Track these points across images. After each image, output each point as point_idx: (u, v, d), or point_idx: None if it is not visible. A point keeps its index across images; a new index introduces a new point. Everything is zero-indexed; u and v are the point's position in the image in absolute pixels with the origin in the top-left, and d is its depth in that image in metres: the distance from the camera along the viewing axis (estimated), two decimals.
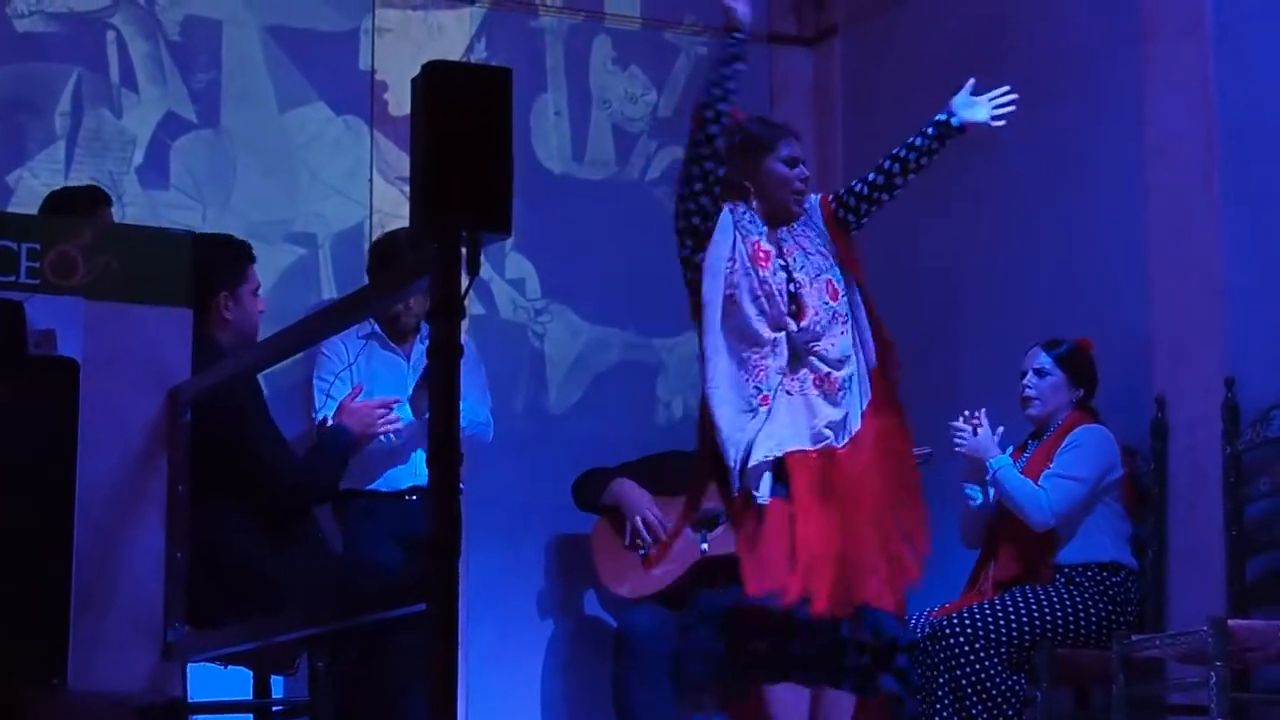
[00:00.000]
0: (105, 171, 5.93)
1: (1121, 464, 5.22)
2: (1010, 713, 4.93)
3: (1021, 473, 5.21)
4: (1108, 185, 5.69)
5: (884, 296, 6.51)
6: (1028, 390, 5.30)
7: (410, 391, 5.38)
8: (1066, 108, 5.87)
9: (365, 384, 5.41)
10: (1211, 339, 5.23)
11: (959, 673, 4.95)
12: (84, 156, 5.95)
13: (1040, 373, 5.30)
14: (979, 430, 5.23)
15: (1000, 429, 5.29)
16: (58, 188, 5.55)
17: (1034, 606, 5.03)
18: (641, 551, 5.80)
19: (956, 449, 5.28)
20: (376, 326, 5.63)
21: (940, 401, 5.44)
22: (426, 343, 5.41)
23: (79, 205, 5.27)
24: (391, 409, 4.94)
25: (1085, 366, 5.32)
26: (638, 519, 5.84)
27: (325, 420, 4.99)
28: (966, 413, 5.28)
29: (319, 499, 4.65)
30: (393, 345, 5.64)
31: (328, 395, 5.49)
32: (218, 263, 4.35)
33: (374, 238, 6.06)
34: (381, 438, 5.12)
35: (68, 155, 5.93)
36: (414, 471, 5.48)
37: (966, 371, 6.03)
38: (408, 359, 5.63)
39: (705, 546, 5.55)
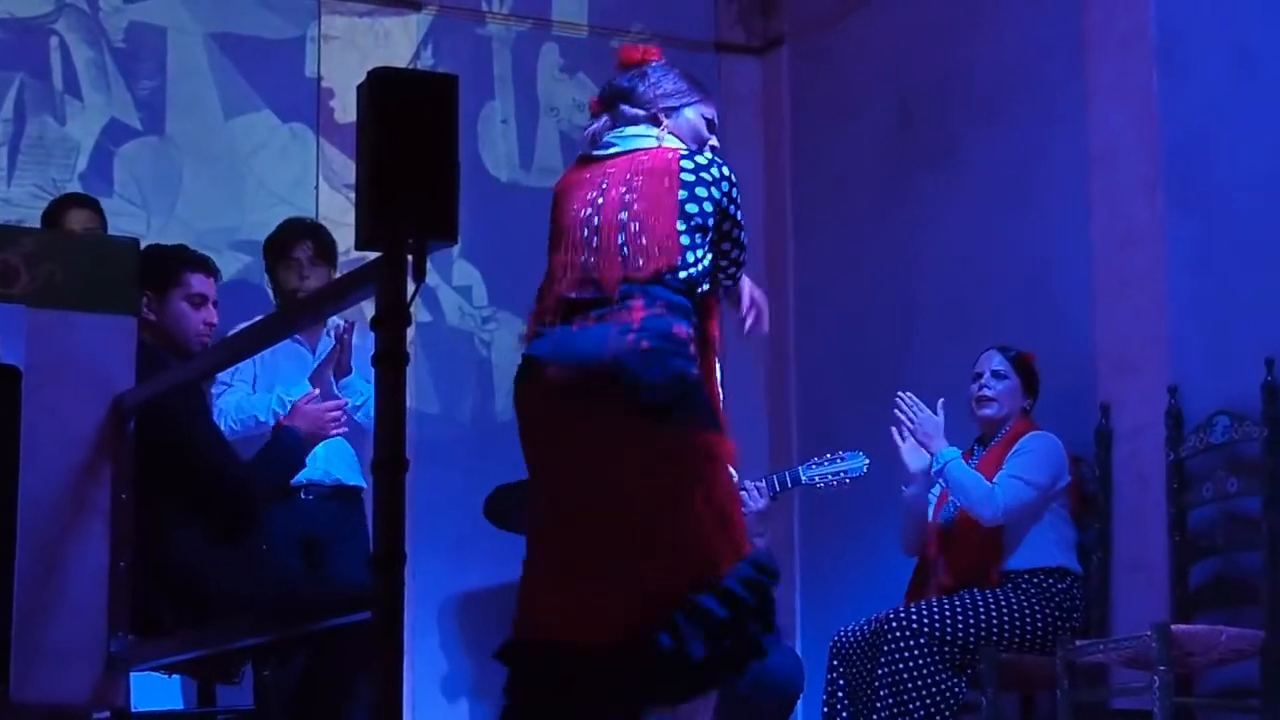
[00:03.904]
0: (48, 179, 5.89)
1: (1069, 472, 5.24)
2: (948, 714, 4.93)
3: None
4: (1053, 195, 5.72)
5: (834, 305, 6.58)
6: (986, 391, 5.29)
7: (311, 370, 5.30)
8: (1011, 119, 5.90)
9: (267, 375, 5.38)
10: (1155, 347, 5.26)
11: (900, 668, 4.94)
12: (27, 163, 5.91)
13: (998, 375, 5.31)
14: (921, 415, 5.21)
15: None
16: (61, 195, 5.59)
17: (980, 609, 5.04)
18: None
19: (907, 432, 5.22)
20: None
21: (888, 409, 5.43)
22: (331, 335, 5.38)
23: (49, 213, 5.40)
24: (343, 410, 4.90)
25: (1033, 377, 5.35)
26: None
27: (276, 418, 4.95)
28: (906, 395, 5.25)
29: (266, 499, 4.62)
30: (298, 338, 5.56)
31: (227, 385, 5.46)
32: (145, 265, 4.33)
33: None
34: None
35: (10, 162, 5.89)
36: (313, 466, 5.19)
37: (915, 379, 6.04)
38: (313, 351, 5.57)
39: None
